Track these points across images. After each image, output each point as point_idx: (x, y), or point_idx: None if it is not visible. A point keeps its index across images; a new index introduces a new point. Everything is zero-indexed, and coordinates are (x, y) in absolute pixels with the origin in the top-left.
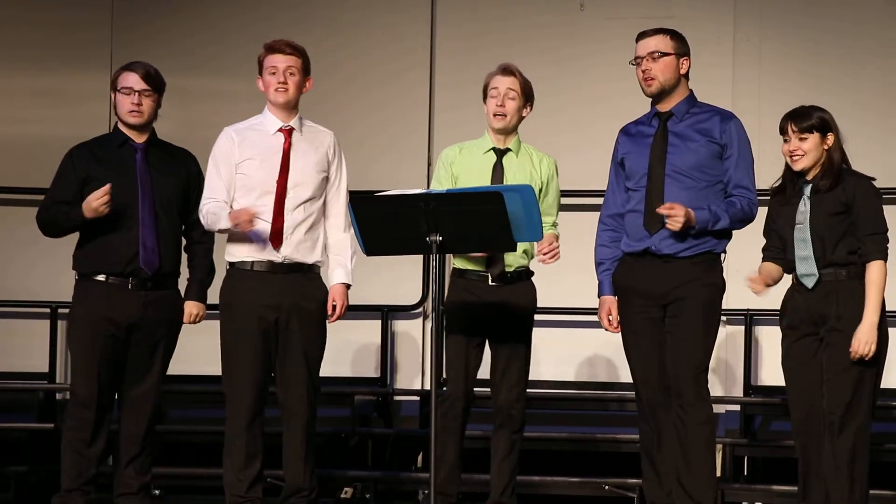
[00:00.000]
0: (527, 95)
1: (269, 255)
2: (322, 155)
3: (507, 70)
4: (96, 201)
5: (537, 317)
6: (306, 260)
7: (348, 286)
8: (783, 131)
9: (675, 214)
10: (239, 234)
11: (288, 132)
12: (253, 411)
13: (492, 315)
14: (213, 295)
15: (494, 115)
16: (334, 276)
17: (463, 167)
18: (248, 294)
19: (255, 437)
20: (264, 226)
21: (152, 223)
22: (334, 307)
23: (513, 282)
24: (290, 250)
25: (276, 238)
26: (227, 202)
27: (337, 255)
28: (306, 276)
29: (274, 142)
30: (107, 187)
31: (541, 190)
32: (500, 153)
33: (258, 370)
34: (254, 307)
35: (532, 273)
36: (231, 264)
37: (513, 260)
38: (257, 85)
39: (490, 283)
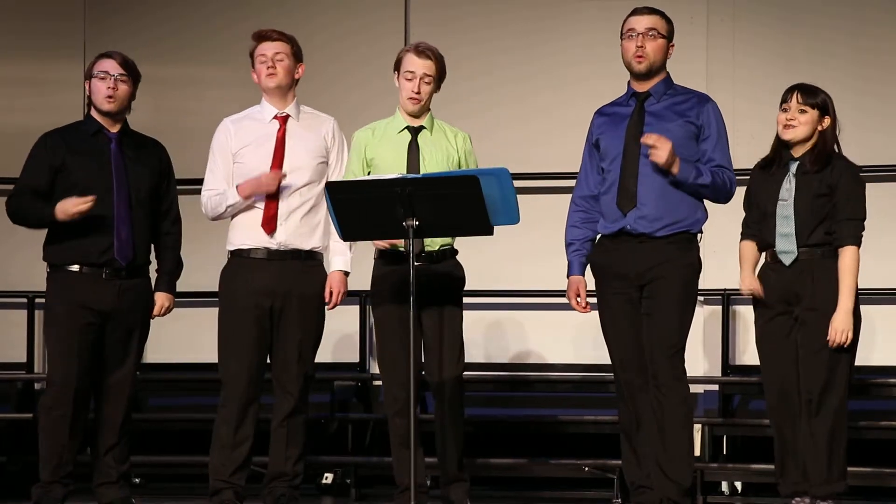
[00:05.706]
0: (441, 77)
1: (265, 241)
2: (320, 140)
3: (423, 53)
4: (74, 208)
5: (518, 300)
6: (303, 246)
7: (347, 273)
8: (785, 100)
9: (660, 145)
10: (240, 220)
11: (283, 119)
12: (246, 398)
13: (418, 292)
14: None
15: (409, 98)
16: (333, 264)
17: (377, 149)
18: (245, 281)
19: (247, 423)
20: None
21: (127, 214)
22: (331, 294)
23: (438, 261)
24: (286, 236)
25: (270, 223)
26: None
27: (337, 241)
28: (304, 262)
29: (269, 129)
30: (91, 199)
31: (460, 164)
32: (415, 131)
33: (252, 357)
34: (250, 294)
35: (456, 252)
36: (230, 252)
37: (438, 239)
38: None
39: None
